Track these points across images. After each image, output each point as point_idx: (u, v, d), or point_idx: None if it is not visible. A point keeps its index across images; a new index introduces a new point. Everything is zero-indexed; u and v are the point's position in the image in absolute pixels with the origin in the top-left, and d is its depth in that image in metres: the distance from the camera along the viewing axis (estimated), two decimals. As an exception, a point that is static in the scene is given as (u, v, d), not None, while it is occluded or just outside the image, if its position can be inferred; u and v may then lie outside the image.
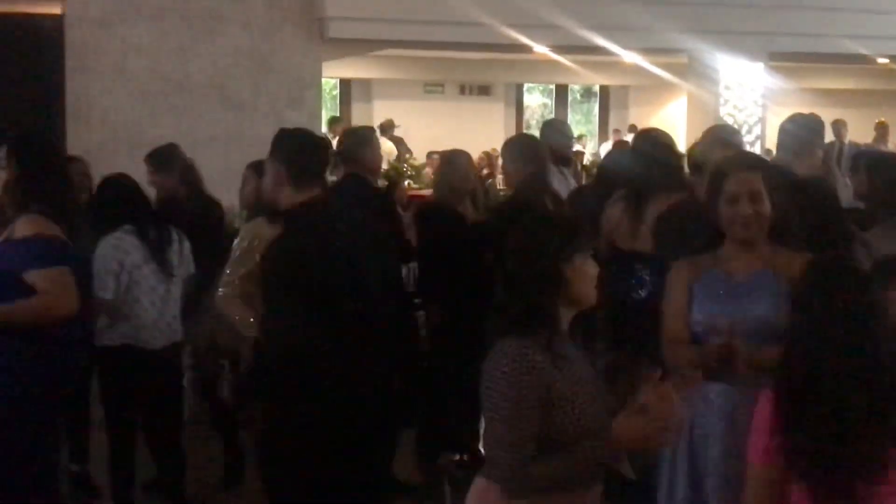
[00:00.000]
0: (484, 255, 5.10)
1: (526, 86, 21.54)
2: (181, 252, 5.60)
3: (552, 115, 20.84)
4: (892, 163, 6.09)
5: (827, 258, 3.20)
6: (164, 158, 6.96)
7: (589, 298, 3.08)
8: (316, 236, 4.22)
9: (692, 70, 13.92)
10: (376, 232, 4.64)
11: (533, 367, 2.89)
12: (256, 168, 5.73)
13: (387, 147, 14.35)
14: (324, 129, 14.13)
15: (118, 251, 5.33)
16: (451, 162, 6.47)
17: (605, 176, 6.16)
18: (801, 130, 6.03)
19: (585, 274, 3.05)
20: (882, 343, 2.85)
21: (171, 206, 6.44)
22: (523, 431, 2.89)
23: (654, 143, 5.41)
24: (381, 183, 8.49)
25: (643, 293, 4.81)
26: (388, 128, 16.59)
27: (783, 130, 6.17)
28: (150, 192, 6.33)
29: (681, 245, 4.10)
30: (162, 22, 10.90)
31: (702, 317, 3.71)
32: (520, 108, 21.34)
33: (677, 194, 4.98)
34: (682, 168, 5.49)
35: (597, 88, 21.71)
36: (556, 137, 7.48)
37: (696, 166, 5.31)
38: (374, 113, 18.61)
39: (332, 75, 18.01)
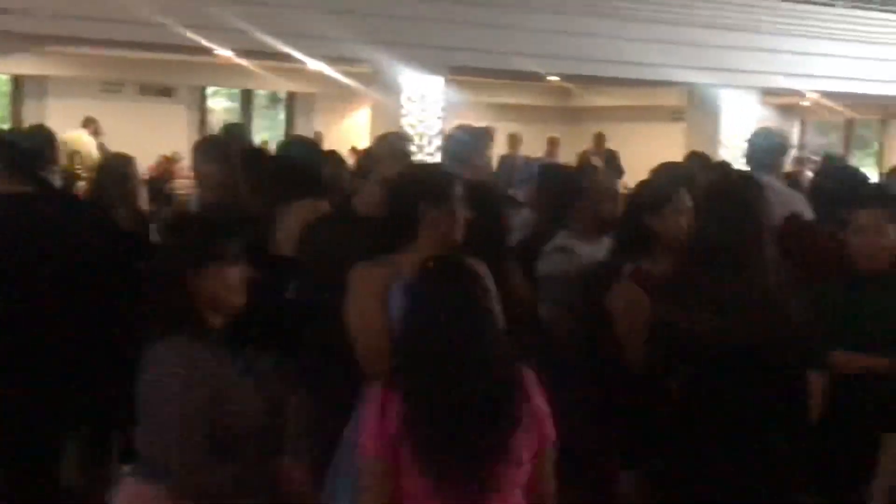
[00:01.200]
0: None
1: (211, 89, 21.17)
2: None
3: (237, 121, 20.60)
4: (559, 173, 6.36)
5: (439, 257, 3.28)
6: None
7: (230, 303, 3.11)
8: None
9: (376, 80, 14.12)
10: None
11: (198, 366, 2.92)
12: None
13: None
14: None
15: None
16: (104, 166, 6.29)
17: None
18: (466, 137, 6.20)
19: (222, 280, 3.08)
20: (493, 335, 3.02)
21: None
22: (195, 432, 2.89)
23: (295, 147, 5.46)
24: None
25: (290, 297, 4.78)
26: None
27: (450, 138, 6.34)
28: None
29: (333, 254, 4.07)
30: None
31: None
32: (204, 111, 20.95)
33: (316, 201, 5.01)
34: (320, 175, 5.49)
35: (283, 95, 21.62)
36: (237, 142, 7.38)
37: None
38: (48, 112, 17.74)
39: (3, 71, 17.06)
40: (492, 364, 2.97)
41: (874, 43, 16.43)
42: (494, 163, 11.80)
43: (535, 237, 5.44)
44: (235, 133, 7.71)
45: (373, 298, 3.59)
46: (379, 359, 3.53)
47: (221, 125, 11.54)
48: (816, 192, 6.08)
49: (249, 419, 3.00)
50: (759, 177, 5.36)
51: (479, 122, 14.85)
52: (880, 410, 4.06)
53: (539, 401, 3.05)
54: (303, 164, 5.28)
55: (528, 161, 13.62)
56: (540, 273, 5.02)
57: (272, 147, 19.37)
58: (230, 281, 3.10)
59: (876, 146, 20.42)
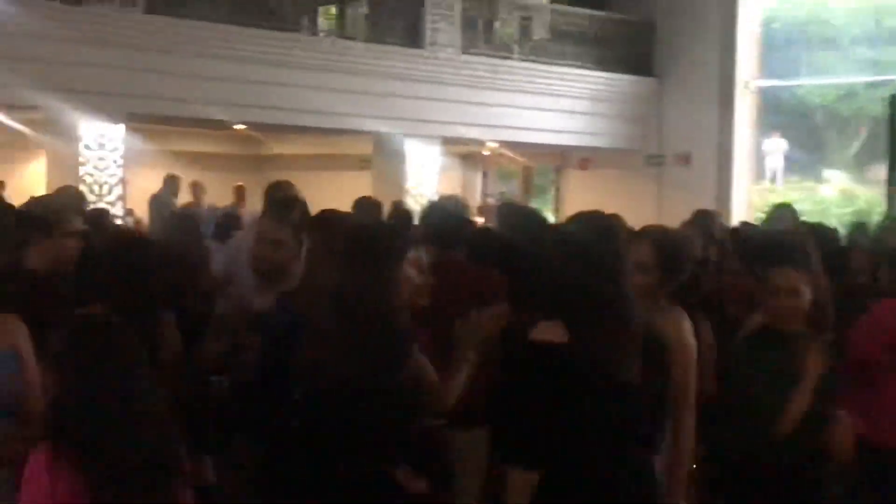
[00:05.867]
0: None
1: None
2: None
3: None
4: None
5: (85, 320, 3.33)
6: None
7: None
8: None
9: (50, 128, 13.54)
10: None
11: None
12: None
13: None
14: None
15: None
16: None
17: None
18: None
19: None
20: (148, 392, 3.06)
21: None
22: None
23: None
24: None
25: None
26: None
27: None
28: None
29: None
30: None
31: None
32: None
33: None
34: None
35: (-51, 141, 20.36)
36: None
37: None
38: None
39: None
40: (152, 422, 3.03)
41: (549, 94, 17.26)
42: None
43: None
44: None
45: None
46: None
47: None
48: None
49: None
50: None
51: (162, 171, 14.59)
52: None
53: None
54: None
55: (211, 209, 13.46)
56: None
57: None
58: None
59: (552, 193, 21.40)
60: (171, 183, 14.08)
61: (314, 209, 5.40)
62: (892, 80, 18.90)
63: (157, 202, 13.56)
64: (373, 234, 4.09)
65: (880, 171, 15.78)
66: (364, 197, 8.44)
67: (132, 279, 3.96)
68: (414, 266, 4.01)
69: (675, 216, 8.11)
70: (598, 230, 3.68)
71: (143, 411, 3.00)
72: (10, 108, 13.98)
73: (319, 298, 3.80)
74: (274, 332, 4.04)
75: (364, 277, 3.74)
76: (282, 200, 5.77)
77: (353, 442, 3.64)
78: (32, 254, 4.57)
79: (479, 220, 14.22)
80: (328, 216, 4.86)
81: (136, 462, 2.94)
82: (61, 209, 5.01)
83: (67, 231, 4.69)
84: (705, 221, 7.53)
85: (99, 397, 2.95)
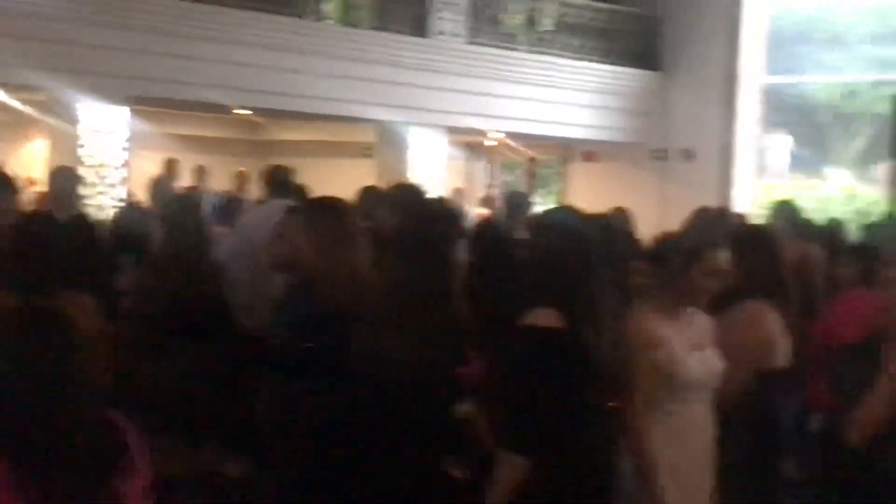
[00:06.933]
0: None
1: None
2: None
3: None
4: None
5: (24, 304, 3.13)
6: None
7: None
8: None
9: (52, 109, 13.47)
10: None
11: None
12: None
13: None
14: None
15: None
16: None
17: None
18: None
19: None
20: (80, 384, 2.86)
21: None
22: None
23: None
24: None
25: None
26: None
27: None
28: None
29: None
30: None
31: None
32: None
33: None
34: None
35: (-48, 121, 20.30)
36: None
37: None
38: None
39: None
40: (83, 414, 2.84)
41: (554, 86, 17.20)
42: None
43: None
44: None
45: None
46: None
47: None
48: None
49: None
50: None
51: (165, 154, 14.54)
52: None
53: (137, 450, 2.96)
54: None
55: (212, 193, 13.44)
56: None
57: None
58: None
59: (556, 185, 21.34)
60: (171, 167, 14.01)
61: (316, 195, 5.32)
62: (897, 79, 18.84)
63: (157, 186, 13.49)
64: (427, 221, 4.08)
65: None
66: (369, 186, 8.40)
67: (26, 260, 3.70)
68: None
69: (677, 211, 8.06)
70: (572, 226, 3.72)
71: (68, 403, 2.81)
72: (12, 88, 13.92)
73: (339, 286, 3.76)
74: (293, 322, 3.98)
75: (422, 264, 3.71)
76: (283, 184, 5.66)
77: (411, 430, 3.62)
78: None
79: (483, 211, 14.24)
80: (331, 203, 4.81)
81: (62, 457, 2.76)
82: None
83: None
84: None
85: (12, 388, 2.77)
